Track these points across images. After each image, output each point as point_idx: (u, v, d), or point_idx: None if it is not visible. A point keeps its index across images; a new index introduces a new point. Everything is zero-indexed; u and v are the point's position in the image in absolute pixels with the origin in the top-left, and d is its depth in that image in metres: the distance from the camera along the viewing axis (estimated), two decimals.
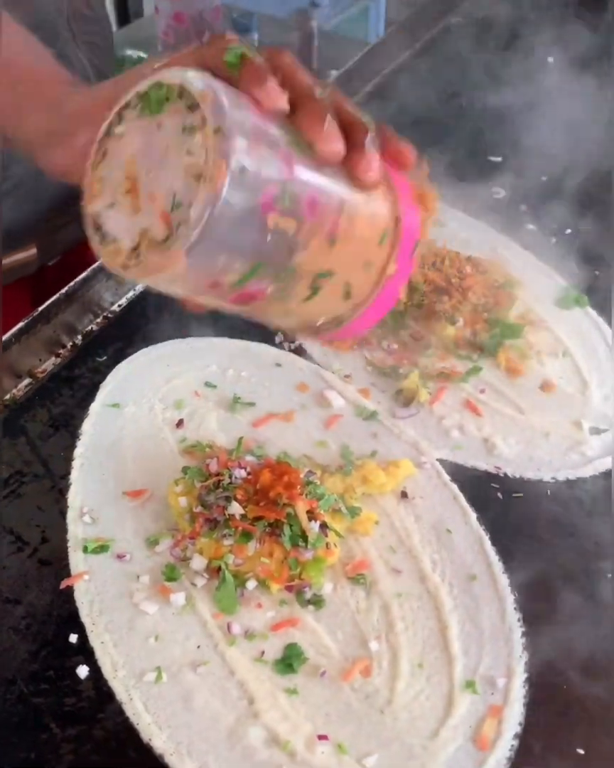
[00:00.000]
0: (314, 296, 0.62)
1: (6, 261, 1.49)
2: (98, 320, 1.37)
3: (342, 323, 0.67)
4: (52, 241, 1.54)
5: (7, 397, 1.23)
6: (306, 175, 0.57)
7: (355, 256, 0.62)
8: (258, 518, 0.99)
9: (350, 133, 0.60)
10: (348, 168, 0.60)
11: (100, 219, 0.59)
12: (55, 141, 0.77)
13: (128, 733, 0.88)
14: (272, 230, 0.55)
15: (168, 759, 0.86)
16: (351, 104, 0.63)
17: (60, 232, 1.54)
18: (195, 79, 0.54)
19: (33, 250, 1.51)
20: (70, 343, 1.33)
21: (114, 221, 0.58)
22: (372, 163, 0.60)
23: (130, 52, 3.04)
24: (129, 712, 0.90)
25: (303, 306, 0.63)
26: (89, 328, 1.36)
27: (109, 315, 1.38)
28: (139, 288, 1.42)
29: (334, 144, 0.58)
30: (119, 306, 1.39)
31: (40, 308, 1.31)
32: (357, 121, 0.61)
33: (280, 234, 0.55)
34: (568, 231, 1.54)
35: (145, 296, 1.40)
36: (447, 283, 1.31)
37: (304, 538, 0.99)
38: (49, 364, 1.29)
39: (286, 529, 0.99)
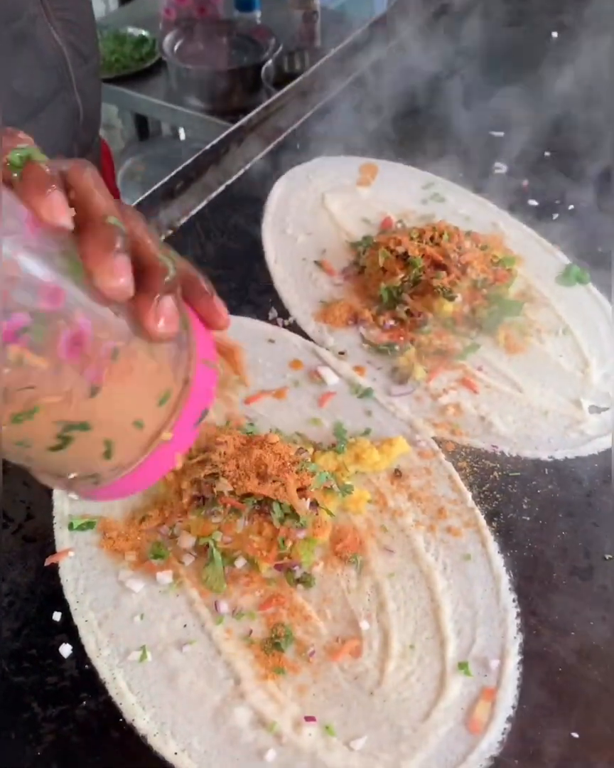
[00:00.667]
0: (64, 448, 0.53)
1: None
2: None
3: (99, 482, 0.58)
4: None
5: None
6: (75, 310, 0.48)
7: (123, 414, 0.54)
8: (247, 495, 0.97)
9: (145, 273, 0.52)
10: (136, 314, 0.52)
11: None
12: None
13: (111, 713, 0.86)
14: (14, 364, 0.46)
15: (151, 740, 0.84)
16: (157, 242, 0.55)
17: None
18: None
19: None
20: None
21: None
22: (163, 314, 0.52)
23: (131, 31, 3.00)
24: (112, 691, 0.88)
25: (48, 455, 0.54)
26: None
27: None
28: None
29: (117, 279, 0.49)
30: None
31: None
32: (154, 262, 0.53)
33: (23, 370, 0.46)
34: (571, 207, 1.50)
35: None
36: (445, 258, 1.28)
37: (294, 516, 0.97)
38: None
39: (276, 507, 0.97)
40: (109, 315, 0.51)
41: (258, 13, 3.06)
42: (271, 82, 2.69)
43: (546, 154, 1.64)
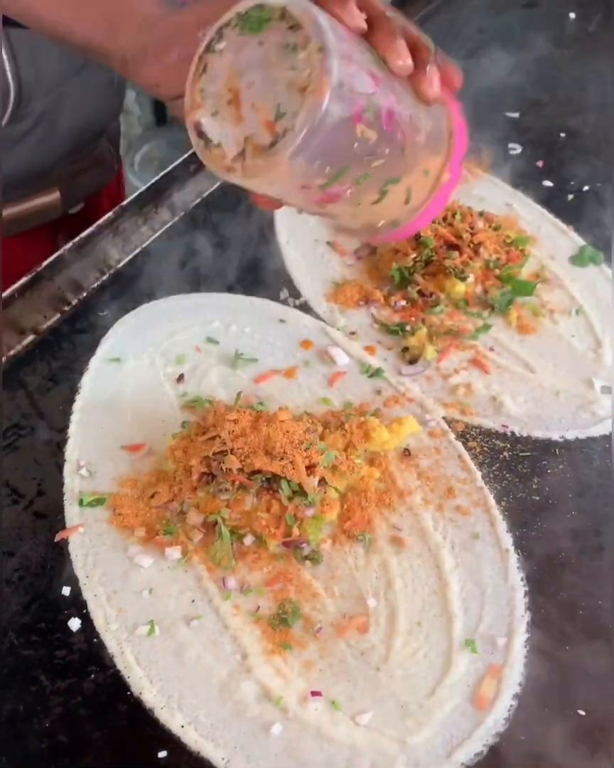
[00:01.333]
0: (381, 200, 0.68)
1: (30, 204, 1.48)
2: (104, 278, 1.34)
3: (397, 226, 0.73)
4: (73, 185, 1.53)
5: (12, 353, 1.21)
6: (384, 89, 0.63)
7: (418, 165, 0.68)
8: (255, 472, 0.97)
9: (415, 51, 0.66)
10: (413, 84, 0.66)
11: (203, 127, 0.65)
12: (149, 57, 0.79)
13: (118, 686, 0.87)
14: (358, 139, 0.61)
15: (158, 712, 0.85)
16: (415, 27, 0.68)
17: (80, 176, 1.53)
18: (298, 2, 0.60)
19: (56, 194, 1.50)
20: (76, 300, 1.30)
21: (217, 129, 0.64)
22: (434, 79, 0.66)
23: None
24: (120, 665, 0.88)
25: (370, 209, 0.69)
26: (95, 285, 1.33)
27: (112, 272, 1.35)
28: (145, 243, 1.40)
29: (405, 59, 0.64)
30: (121, 264, 1.36)
31: (44, 264, 1.29)
32: (421, 42, 0.67)
33: (363, 142, 0.61)
34: (585, 188, 1.49)
35: (149, 251, 1.38)
36: (457, 238, 1.27)
37: (303, 493, 0.97)
38: (54, 321, 1.27)
39: (284, 484, 0.97)
40: (403, 88, 0.65)
41: None
42: None
43: (562, 135, 1.62)
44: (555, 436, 1.11)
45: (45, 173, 1.47)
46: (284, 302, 1.29)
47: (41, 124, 1.39)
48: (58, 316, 1.27)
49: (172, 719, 0.84)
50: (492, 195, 1.46)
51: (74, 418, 1.11)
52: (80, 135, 1.46)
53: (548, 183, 1.51)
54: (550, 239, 1.38)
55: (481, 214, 1.32)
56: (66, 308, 1.28)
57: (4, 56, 1.25)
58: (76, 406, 1.13)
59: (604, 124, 1.60)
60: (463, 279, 1.25)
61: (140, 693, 0.86)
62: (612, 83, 1.68)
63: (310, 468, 0.98)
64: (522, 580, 0.96)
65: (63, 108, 1.40)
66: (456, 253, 1.26)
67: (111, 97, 1.53)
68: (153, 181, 1.48)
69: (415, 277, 1.27)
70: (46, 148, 1.44)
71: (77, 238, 1.36)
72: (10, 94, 1.30)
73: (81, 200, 1.58)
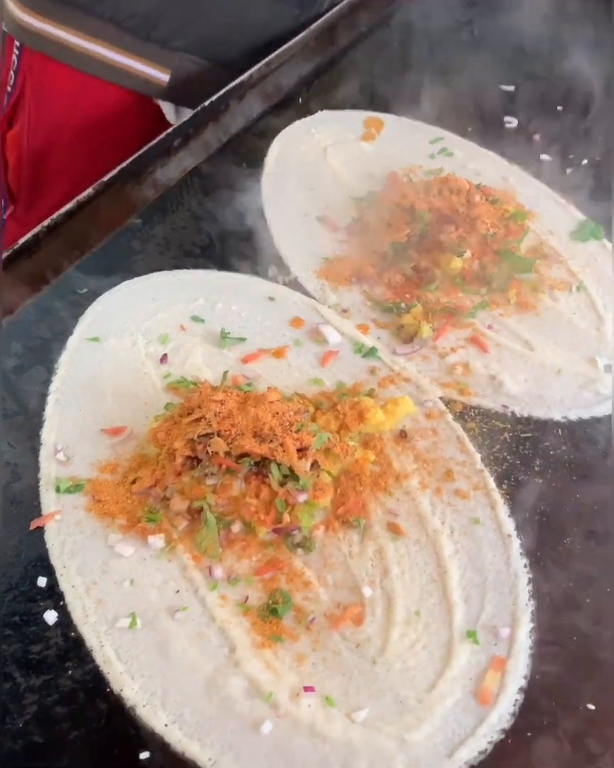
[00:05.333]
0: None
1: (138, 67, 1.55)
2: (84, 256, 1.28)
3: None
4: (187, 76, 1.56)
5: None
6: None
7: None
8: (243, 456, 0.92)
9: None
10: None
11: None
12: None
13: (98, 682, 0.81)
14: None
15: (140, 711, 0.80)
16: None
17: (199, 76, 1.56)
18: None
19: (167, 76, 1.57)
20: (54, 279, 1.24)
21: None
22: None
23: None
24: (99, 659, 0.83)
25: None
26: (74, 263, 1.27)
27: (95, 249, 1.28)
28: (125, 221, 1.33)
29: None
30: (101, 240, 1.30)
31: (19, 243, 1.23)
32: None
33: None
34: (584, 161, 1.44)
35: (131, 229, 1.31)
36: (453, 212, 1.21)
37: (294, 477, 0.91)
38: (30, 300, 1.20)
39: (274, 468, 0.91)
40: None
41: None
42: None
43: (558, 108, 1.57)
44: (557, 416, 1.06)
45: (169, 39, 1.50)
46: (272, 279, 1.23)
47: None
48: (33, 294, 1.20)
49: (155, 717, 0.79)
50: (487, 169, 1.41)
51: (51, 399, 1.05)
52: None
53: (546, 157, 1.45)
54: (549, 214, 1.33)
55: (478, 187, 1.26)
56: (41, 287, 1.22)
57: None
58: (53, 387, 1.07)
59: (603, 98, 1.54)
60: (460, 254, 1.20)
61: (121, 690, 0.81)
62: (609, 56, 1.62)
63: (302, 451, 0.92)
64: (525, 566, 0.91)
65: None
66: (452, 228, 1.21)
67: None
68: (134, 156, 1.42)
69: (410, 252, 1.22)
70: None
71: (55, 215, 1.30)
72: None
73: (186, 103, 1.60)
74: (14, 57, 1.58)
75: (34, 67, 1.59)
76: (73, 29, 1.51)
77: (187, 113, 1.54)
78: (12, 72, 1.58)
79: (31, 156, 1.66)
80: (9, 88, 1.60)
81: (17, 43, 1.59)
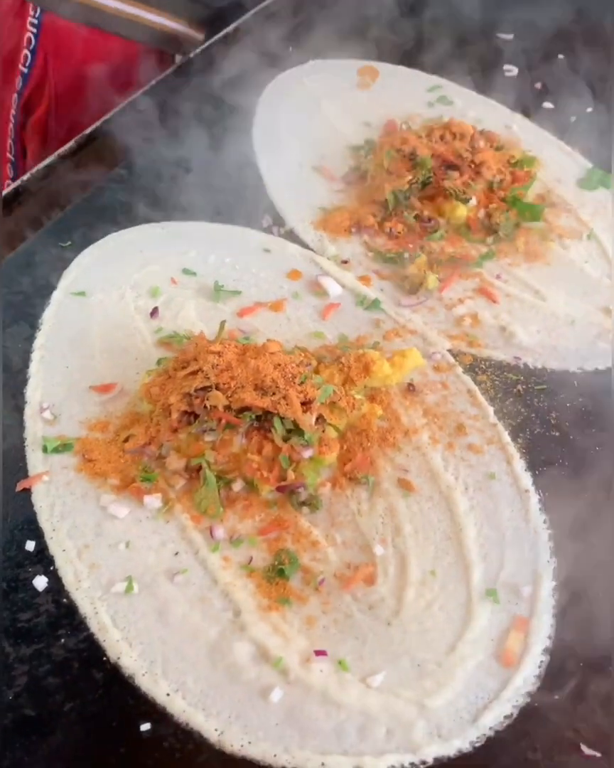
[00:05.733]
0: None
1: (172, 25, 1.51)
2: (66, 208, 1.21)
3: None
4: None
5: None
6: None
7: None
8: (244, 409, 0.86)
9: None
10: None
11: None
12: None
13: (93, 651, 0.76)
14: None
15: (139, 680, 0.74)
16: None
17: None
18: None
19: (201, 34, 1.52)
20: (32, 233, 1.17)
21: None
22: None
23: None
24: (94, 627, 0.77)
25: None
26: (55, 216, 1.20)
27: (77, 201, 1.21)
28: (109, 175, 1.26)
29: None
30: (83, 197, 1.22)
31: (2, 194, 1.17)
32: None
33: None
34: (589, 109, 1.37)
35: (116, 181, 1.24)
36: (457, 157, 1.15)
37: (298, 432, 0.86)
38: (11, 254, 1.13)
39: (277, 422, 0.85)
40: None
41: None
42: None
43: (560, 56, 1.50)
44: (573, 368, 1.00)
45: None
46: (267, 230, 1.17)
47: None
48: (14, 248, 1.13)
49: (156, 687, 0.74)
50: (489, 116, 1.35)
51: (35, 356, 0.99)
52: None
53: (548, 105, 1.39)
54: (555, 162, 1.27)
55: (482, 132, 1.20)
56: (20, 242, 1.15)
57: None
58: (37, 343, 1.00)
59: (604, 47, 1.48)
60: (465, 201, 1.14)
61: (118, 658, 0.75)
62: (608, 5, 1.56)
63: (306, 404, 0.87)
64: (544, 522, 0.86)
65: None
66: (456, 174, 1.15)
67: None
68: (122, 104, 1.35)
69: (412, 200, 1.16)
70: None
71: (33, 170, 1.24)
72: None
73: None
74: (30, 34, 1.48)
75: (58, 40, 1.50)
76: None
77: None
78: (27, 51, 1.49)
79: (58, 138, 1.56)
80: (24, 69, 1.50)
81: (33, 17, 1.49)
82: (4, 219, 1.17)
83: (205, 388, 0.87)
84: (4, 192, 1.20)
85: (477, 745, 0.72)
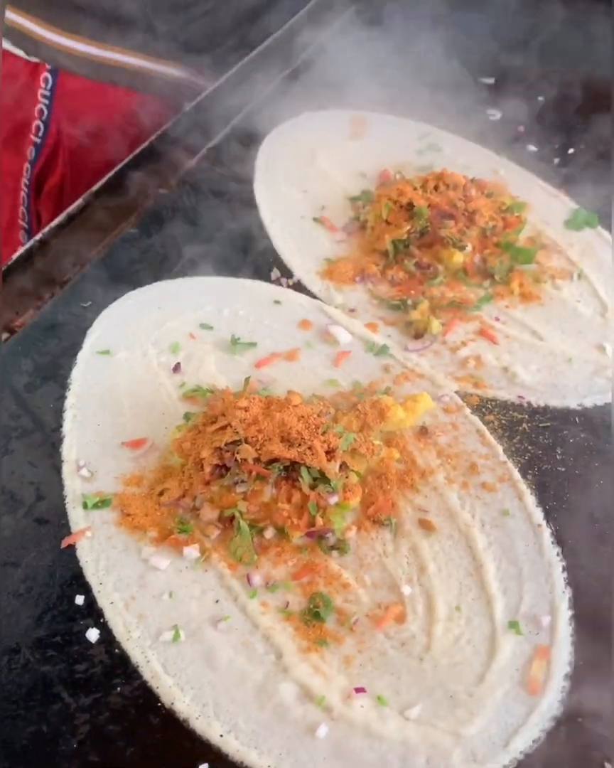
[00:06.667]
0: None
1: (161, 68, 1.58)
2: (75, 270, 1.27)
3: None
4: None
5: None
6: None
7: None
8: (272, 461, 0.92)
9: None
10: None
11: None
12: None
13: (148, 697, 0.81)
14: None
15: (194, 723, 0.79)
16: None
17: None
18: None
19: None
20: (49, 294, 1.23)
21: None
22: None
23: None
24: (146, 674, 0.82)
25: None
26: (68, 277, 1.26)
27: (87, 263, 1.27)
28: (117, 235, 1.32)
29: None
30: (96, 255, 1.29)
31: (12, 258, 1.22)
32: None
33: None
34: (571, 151, 1.45)
35: (127, 240, 1.31)
36: (451, 206, 1.22)
37: (324, 480, 0.92)
38: (28, 317, 1.19)
39: (304, 472, 0.91)
40: None
41: None
42: None
43: (540, 99, 1.58)
44: (573, 404, 1.07)
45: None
46: (276, 283, 1.23)
47: None
48: (34, 310, 1.19)
49: (210, 728, 0.79)
50: (477, 163, 1.42)
51: (68, 415, 1.04)
52: None
53: (532, 147, 1.47)
54: (542, 204, 1.35)
55: (472, 181, 1.27)
56: (39, 303, 1.21)
57: None
58: (69, 403, 1.06)
59: (582, 87, 1.56)
60: (461, 248, 1.21)
61: (172, 703, 0.80)
62: (584, 46, 1.64)
63: (330, 453, 0.93)
64: (558, 555, 0.92)
65: None
66: (451, 223, 1.22)
67: None
68: (119, 167, 1.41)
69: (411, 249, 1.23)
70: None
71: (46, 229, 1.30)
72: None
73: None
74: (43, 105, 1.55)
75: (71, 107, 1.56)
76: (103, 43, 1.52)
77: None
78: (40, 121, 1.55)
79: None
80: (36, 139, 1.57)
81: (45, 90, 1.56)
82: (21, 277, 1.23)
83: (234, 442, 0.93)
84: (18, 253, 1.26)
85: None
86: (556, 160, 1.44)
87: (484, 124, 1.51)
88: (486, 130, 1.49)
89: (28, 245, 1.27)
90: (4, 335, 1.16)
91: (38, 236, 1.28)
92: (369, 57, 1.64)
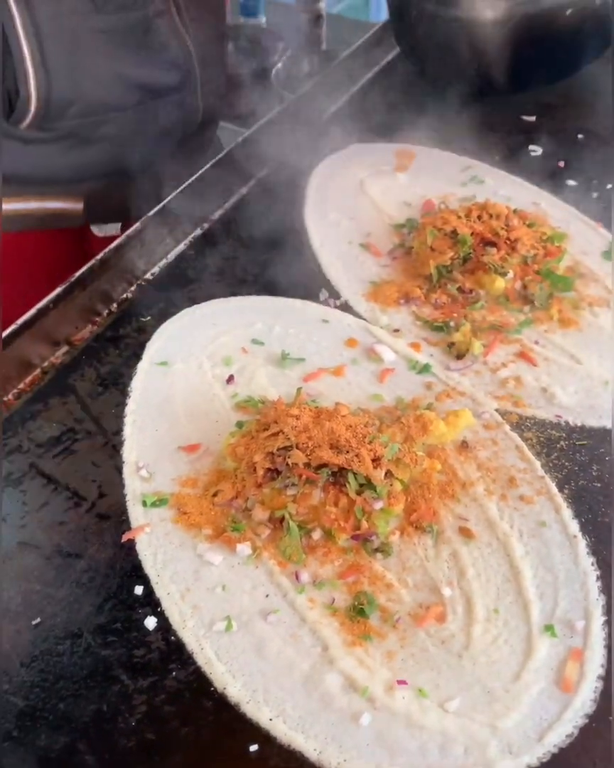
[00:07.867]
0: None
1: (47, 205, 1.51)
2: (132, 288, 1.34)
3: None
4: (102, 199, 1.53)
5: (46, 364, 1.21)
6: None
7: None
8: (321, 466, 0.97)
9: None
10: None
11: None
12: None
13: (201, 682, 0.86)
14: None
15: (244, 707, 0.84)
16: None
17: (114, 196, 1.52)
18: None
19: (80, 204, 1.52)
20: (106, 311, 1.30)
21: None
22: None
23: None
24: (201, 661, 0.87)
25: None
26: (124, 295, 1.33)
27: (143, 282, 1.35)
28: (172, 255, 1.39)
29: None
30: (152, 274, 1.36)
31: (75, 275, 1.29)
32: None
33: None
34: (609, 186, 1.51)
35: (181, 261, 1.38)
36: (494, 235, 1.28)
37: (370, 486, 0.97)
38: (86, 332, 1.26)
39: (351, 478, 0.97)
40: None
41: (263, 19, 3.07)
42: (281, 85, 2.69)
43: (580, 136, 1.65)
44: (609, 425, 1.11)
45: (68, 182, 1.48)
46: (324, 303, 1.30)
47: (70, 140, 1.41)
48: (91, 327, 1.26)
49: (260, 713, 0.84)
50: (518, 195, 1.48)
51: (128, 420, 1.11)
52: (112, 153, 1.46)
53: (571, 182, 1.53)
54: (581, 235, 1.40)
55: (515, 211, 1.33)
56: (98, 318, 1.28)
57: (30, 67, 1.27)
58: (129, 409, 1.12)
59: None
60: (503, 275, 1.27)
61: (224, 688, 0.85)
62: None
63: (376, 461, 0.98)
64: (592, 565, 0.96)
65: (99, 135, 1.43)
66: (493, 250, 1.27)
67: (196, 129, 1.57)
68: (175, 192, 1.48)
69: (454, 274, 1.28)
70: (73, 161, 1.45)
71: (106, 250, 1.37)
72: (31, 102, 1.31)
73: (111, 220, 1.59)
74: None
75: None
76: None
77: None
78: None
79: None
80: None
81: None
82: (81, 295, 1.29)
83: (286, 448, 0.98)
84: (81, 271, 1.32)
85: (543, 761, 0.81)
86: (595, 195, 1.49)
87: (526, 159, 1.58)
88: (527, 164, 1.56)
89: (90, 264, 1.34)
90: (64, 348, 1.23)
91: (100, 255, 1.35)
92: (415, 95, 1.72)
